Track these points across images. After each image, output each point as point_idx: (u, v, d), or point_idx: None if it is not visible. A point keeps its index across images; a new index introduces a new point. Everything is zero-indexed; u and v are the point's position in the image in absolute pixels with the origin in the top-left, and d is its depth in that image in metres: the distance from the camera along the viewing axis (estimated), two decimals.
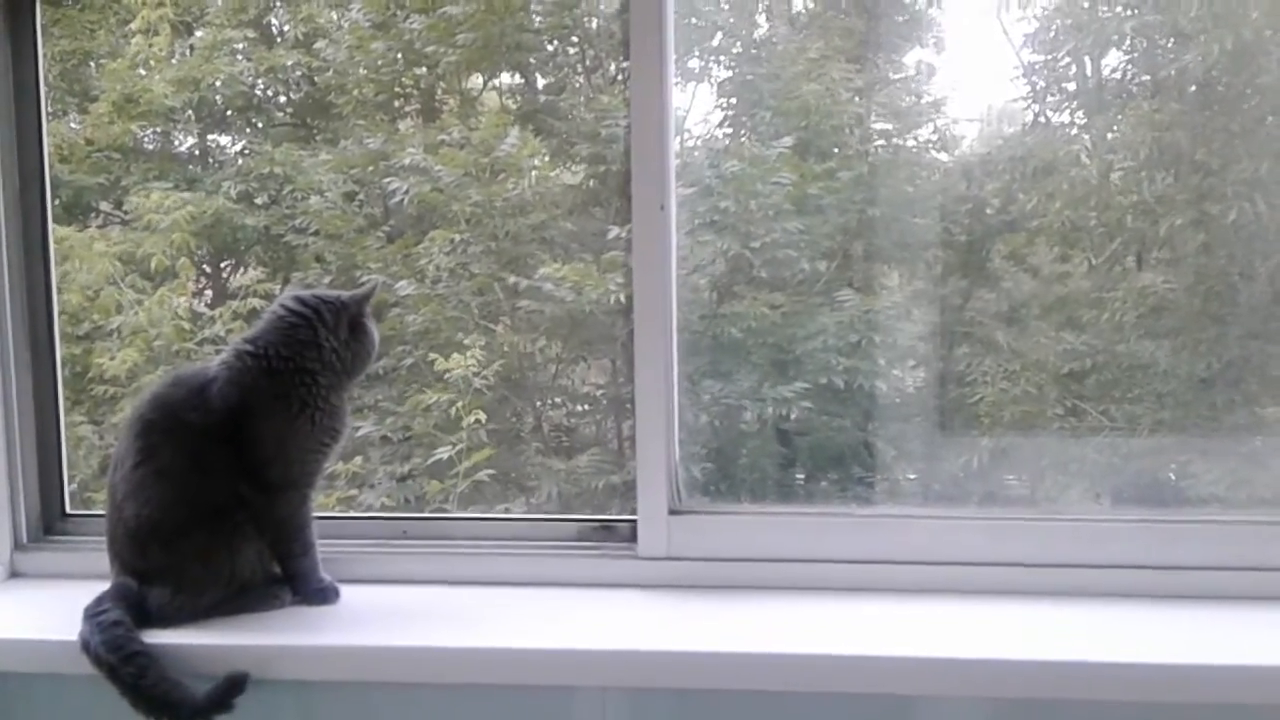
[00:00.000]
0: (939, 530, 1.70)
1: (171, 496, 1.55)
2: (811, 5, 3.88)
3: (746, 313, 3.34)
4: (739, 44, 3.83)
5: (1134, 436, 3.16)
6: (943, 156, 3.61)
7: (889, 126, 3.68)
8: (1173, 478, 3.13)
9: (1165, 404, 3.16)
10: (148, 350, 3.40)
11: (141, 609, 1.52)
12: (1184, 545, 1.65)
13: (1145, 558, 1.64)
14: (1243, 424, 3.05)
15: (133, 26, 3.74)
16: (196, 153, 4.14)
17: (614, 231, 3.40)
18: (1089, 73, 3.45)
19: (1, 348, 1.83)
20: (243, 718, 1.49)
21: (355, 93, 3.85)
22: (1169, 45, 3.29)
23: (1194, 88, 3.17)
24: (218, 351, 1.67)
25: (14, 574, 1.83)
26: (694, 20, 3.60)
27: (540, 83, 4.03)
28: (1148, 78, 3.33)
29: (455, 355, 3.37)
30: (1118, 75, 3.42)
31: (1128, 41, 3.33)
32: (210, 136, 4.15)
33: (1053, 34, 3.41)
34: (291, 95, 4.09)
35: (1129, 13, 3.31)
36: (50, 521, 1.89)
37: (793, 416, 3.30)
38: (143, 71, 3.79)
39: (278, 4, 4.08)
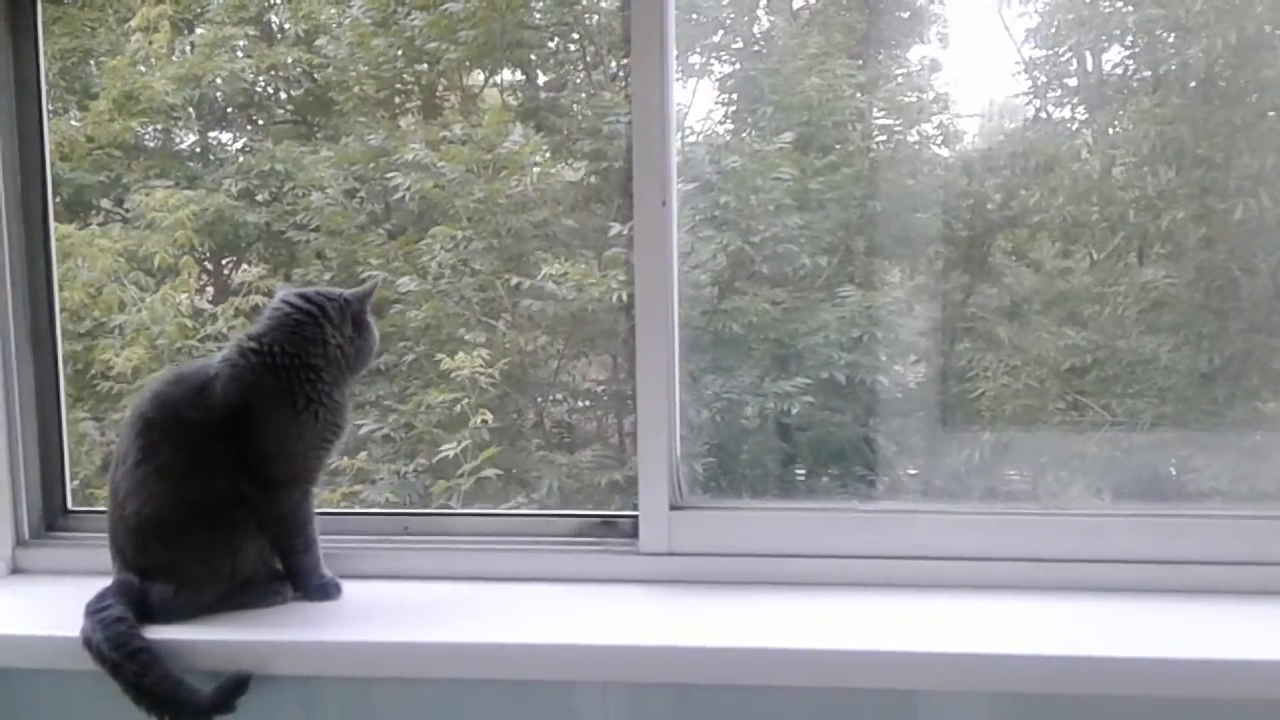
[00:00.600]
0: (940, 525, 1.70)
1: (173, 494, 1.55)
2: (813, 1, 3.88)
3: (748, 308, 3.35)
4: (740, 40, 3.83)
5: (1135, 431, 3.16)
6: (944, 152, 3.61)
7: (890, 122, 3.68)
8: (1174, 473, 3.13)
9: (1166, 399, 3.16)
10: (151, 348, 3.41)
11: (143, 605, 1.52)
12: (1185, 540, 1.65)
13: (1146, 552, 1.64)
14: (1244, 419, 3.06)
15: (133, 24, 3.74)
16: (197, 150, 4.14)
17: (615, 228, 3.40)
18: (1090, 68, 3.45)
19: (3, 344, 1.84)
20: (245, 714, 1.50)
21: (356, 89, 3.86)
22: (1171, 40, 3.28)
23: (1196, 82, 3.17)
24: (220, 348, 1.67)
25: (16, 570, 1.84)
26: (695, 16, 3.60)
27: (541, 79, 4.03)
28: (1149, 73, 3.32)
29: (461, 355, 3.37)
30: (1120, 70, 3.41)
31: (1130, 36, 3.33)
32: (211, 134, 4.15)
33: (1054, 29, 3.41)
34: (292, 92, 4.09)
35: (1130, 7, 3.31)
36: (52, 518, 1.89)
37: (794, 412, 3.30)
38: (143, 69, 3.79)
39: (278, 1, 4.07)
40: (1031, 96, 3.48)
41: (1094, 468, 3.20)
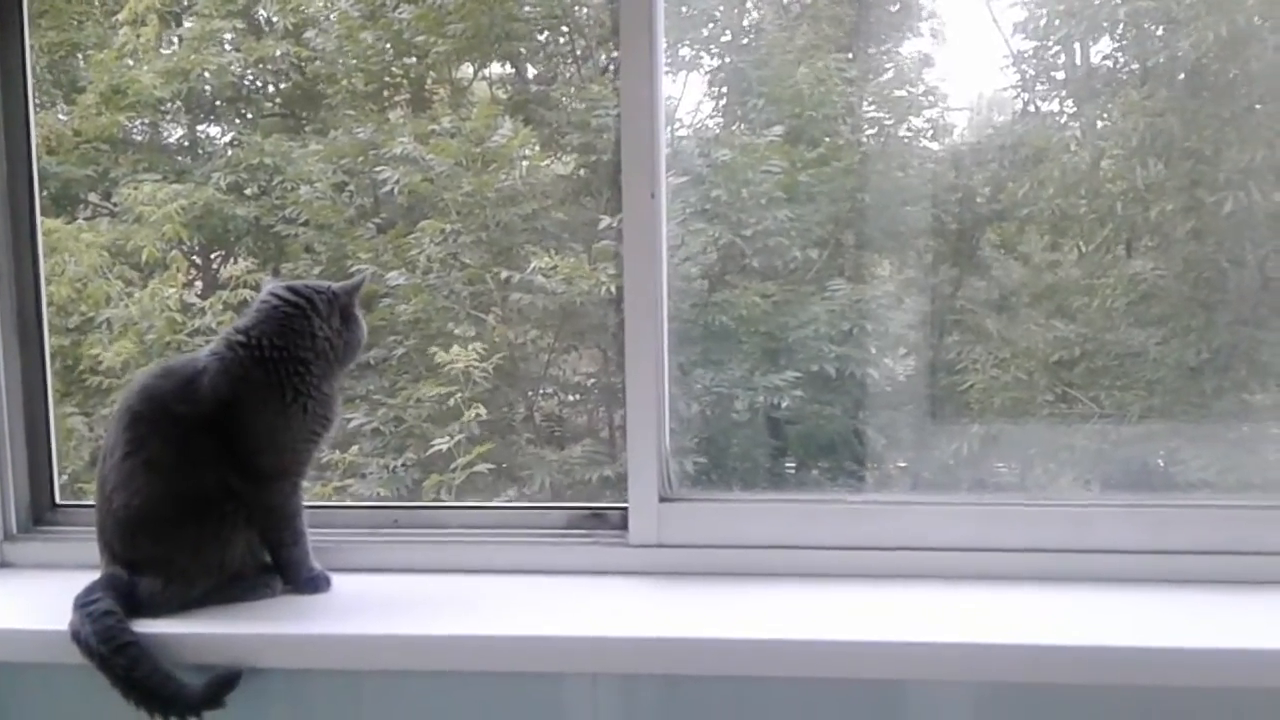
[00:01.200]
0: (927, 516, 1.71)
1: (161, 487, 1.55)
2: None
3: (738, 301, 3.35)
4: (730, 32, 3.83)
5: (1124, 423, 3.17)
6: (934, 145, 3.62)
7: (880, 115, 3.68)
8: (1162, 464, 3.15)
9: (1155, 391, 3.17)
10: (140, 342, 3.40)
11: (132, 599, 1.52)
12: (1171, 530, 1.65)
13: (1133, 542, 1.65)
14: (1231, 410, 3.07)
15: (120, 17, 3.73)
16: (186, 144, 4.13)
17: (605, 221, 3.40)
18: (1079, 60, 3.45)
19: None
20: (235, 707, 1.50)
21: (345, 83, 3.85)
22: (1160, 32, 3.29)
23: (1185, 75, 3.18)
24: (208, 342, 1.66)
25: (3, 564, 1.83)
26: (685, 9, 3.60)
27: (531, 73, 4.03)
28: (1138, 65, 3.33)
29: (455, 348, 3.37)
30: (1109, 63, 3.42)
31: (1119, 28, 3.34)
32: (199, 127, 4.14)
33: (1043, 21, 3.41)
34: (281, 85, 4.08)
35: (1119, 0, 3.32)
36: (40, 512, 1.88)
37: (784, 405, 3.30)
38: (131, 62, 3.78)
39: None
40: (1020, 90, 3.49)
41: (1082, 460, 3.22)
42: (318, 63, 3.87)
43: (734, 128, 3.59)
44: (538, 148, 3.67)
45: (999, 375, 3.27)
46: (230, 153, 3.87)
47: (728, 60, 3.72)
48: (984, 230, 3.49)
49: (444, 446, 3.26)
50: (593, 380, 3.75)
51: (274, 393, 1.59)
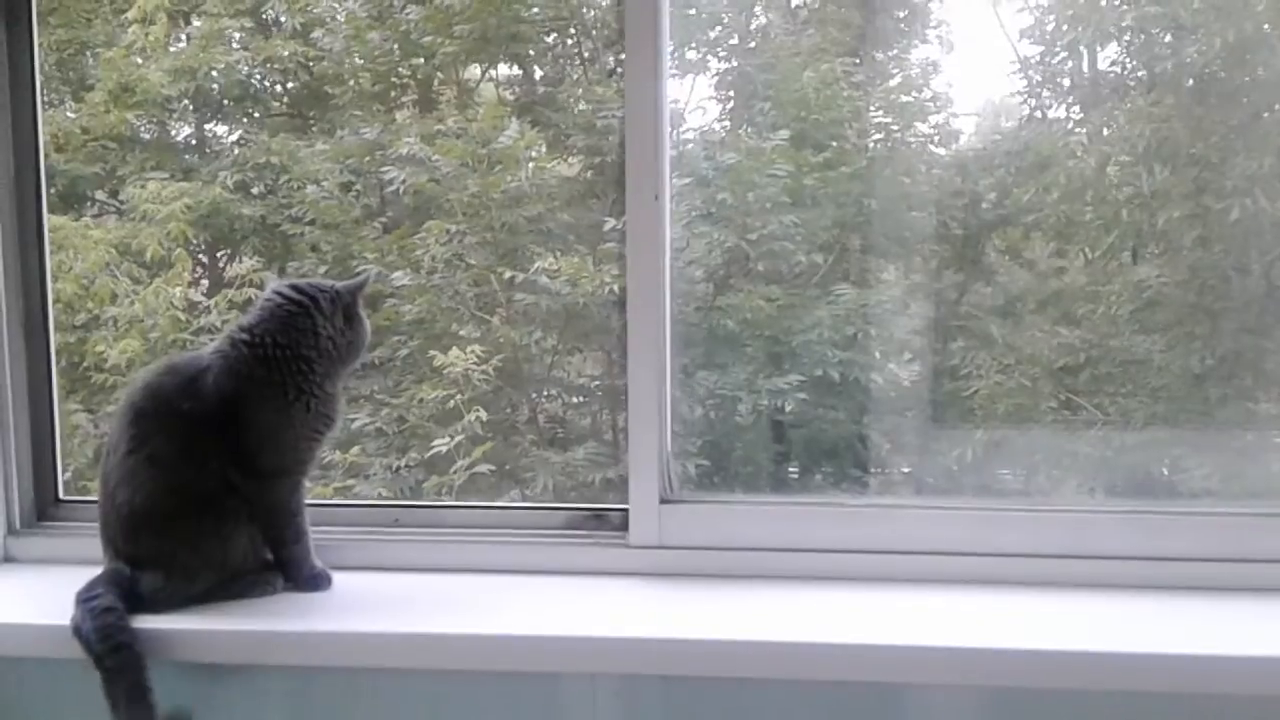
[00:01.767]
0: (929, 520, 1.71)
1: (163, 483, 1.55)
2: None
3: (743, 305, 3.35)
4: (737, 36, 3.83)
5: (1127, 431, 3.16)
6: (940, 150, 3.62)
7: (886, 120, 3.68)
8: (1165, 472, 3.14)
9: (1159, 398, 3.16)
10: (144, 340, 3.41)
11: (134, 594, 1.52)
12: (1171, 536, 1.65)
13: (1132, 548, 1.65)
14: (1236, 419, 3.06)
15: (129, 16, 3.74)
16: (193, 142, 4.14)
17: (610, 223, 3.40)
18: (1086, 67, 3.45)
19: None
20: (235, 703, 1.51)
21: (352, 83, 3.86)
22: (1167, 39, 3.29)
23: (1192, 81, 3.17)
24: (212, 340, 1.67)
25: (7, 559, 1.83)
26: (693, 11, 3.60)
27: (538, 74, 4.04)
28: (1145, 71, 3.33)
29: (454, 350, 3.37)
30: (1115, 69, 3.42)
31: (1126, 35, 3.33)
32: (207, 126, 4.15)
33: (1050, 27, 3.41)
34: (288, 85, 4.09)
35: (1127, 5, 3.31)
36: (44, 507, 1.89)
37: (788, 409, 3.30)
38: (139, 61, 3.79)
39: None
40: (1027, 95, 3.49)
41: (1086, 467, 3.21)
42: (325, 63, 3.88)
43: (740, 131, 3.59)
44: (544, 149, 3.67)
45: (1003, 381, 3.26)
46: (237, 151, 3.89)
47: (735, 64, 3.73)
48: (989, 236, 3.49)
49: (444, 448, 3.26)
50: (596, 382, 3.75)
51: (277, 391, 1.60)
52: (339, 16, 3.90)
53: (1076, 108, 3.58)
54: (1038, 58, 3.42)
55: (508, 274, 3.51)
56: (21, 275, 1.87)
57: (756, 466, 3.43)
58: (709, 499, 1.76)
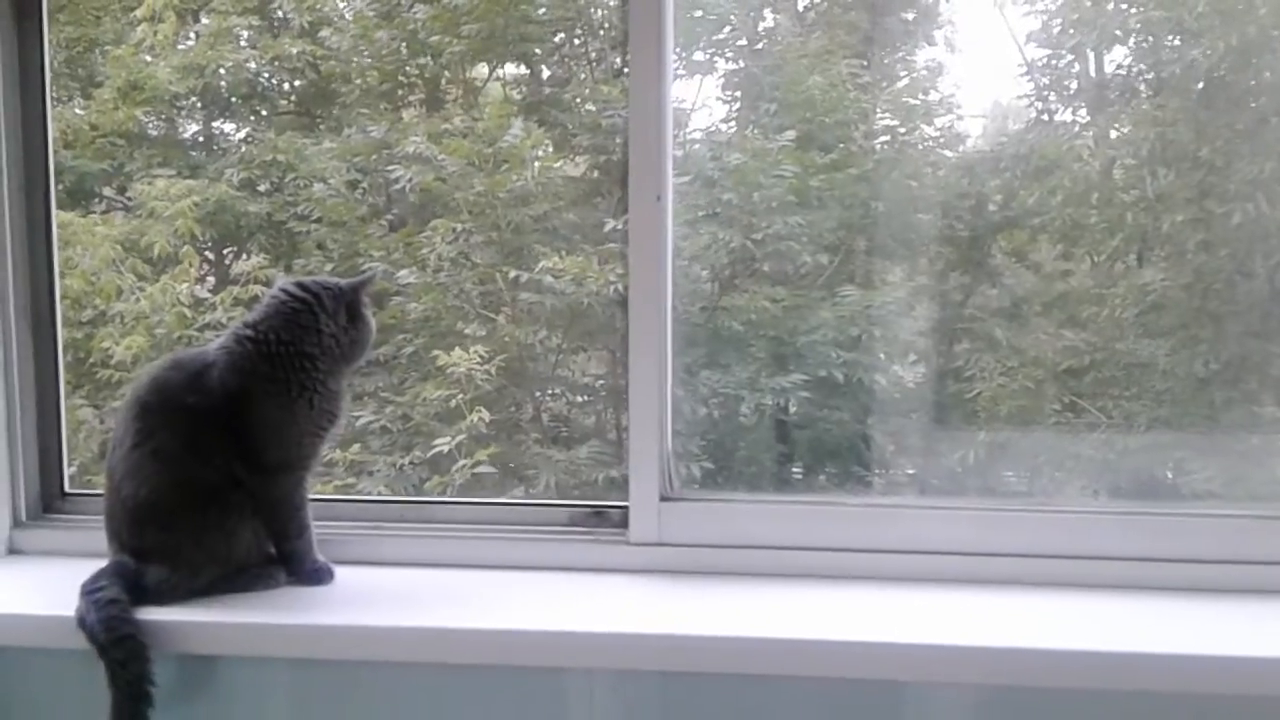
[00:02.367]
0: (928, 520, 1.71)
1: (168, 477, 1.56)
2: (818, 0, 3.89)
3: (747, 305, 3.35)
4: (744, 37, 3.84)
5: (1131, 434, 3.16)
6: (947, 153, 3.62)
7: (893, 122, 3.69)
8: (1170, 475, 3.14)
9: (1163, 401, 3.16)
10: (150, 336, 3.42)
11: (138, 587, 1.53)
12: (1171, 538, 1.66)
13: (1132, 549, 1.65)
14: (1240, 422, 3.06)
15: (138, 13, 3.76)
16: (200, 139, 4.16)
17: (611, 224, 3.41)
18: (1092, 70, 3.45)
19: (4, 329, 1.84)
20: (239, 694, 1.52)
21: (359, 81, 3.87)
22: (1174, 42, 3.29)
23: (1200, 84, 3.17)
24: (218, 337, 1.68)
25: (13, 550, 1.85)
26: (699, 13, 3.61)
27: (545, 74, 4.04)
28: (1152, 75, 3.33)
29: (457, 350, 3.38)
30: (1121, 72, 3.42)
31: (1132, 38, 3.34)
32: (214, 123, 4.17)
33: (1057, 30, 3.42)
34: (295, 83, 4.10)
35: (1134, 9, 3.31)
36: (49, 500, 1.90)
37: (792, 410, 3.31)
38: (148, 58, 3.81)
39: None
40: (1034, 98, 3.49)
41: (1089, 469, 3.21)
42: (333, 61, 3.89)
43: (747, 132, 3.59)
44: (550, 148, 3.68)
45: (1007, 383, 3.27)
46: (244, 149, 3.90)
47: (742, 65, 3.73)
48: (995, 239, 3.49)
49: (445, 448, 3.27)
50: (601, 381, 3.76)
51: (280, 387, 1.61)
52: (347, 15, 3.92)
53: (1083, 111, 3.58)
54: (1044, 61, 3.42)
55: (513, 273, 3.51)
56: (29, 270, 1.88)
57: (760, 467, 3.43)
58: (709, 497, 1.77)
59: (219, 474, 1.58)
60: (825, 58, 3.51)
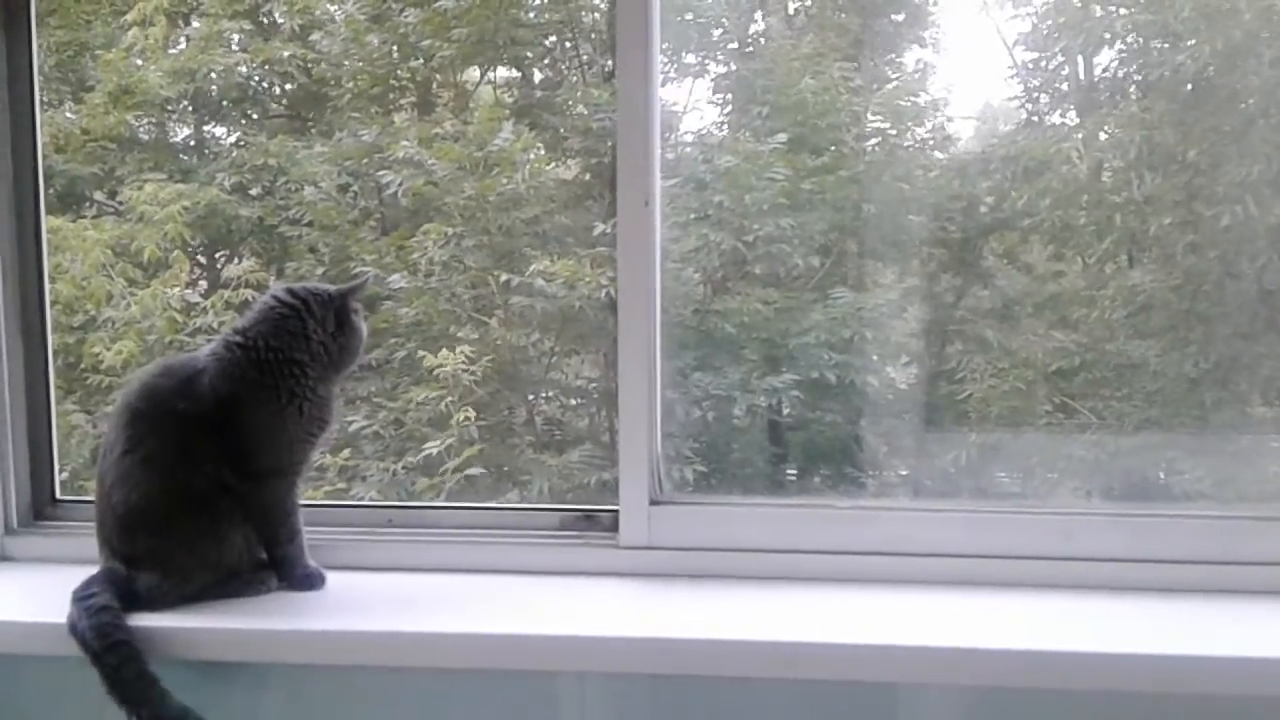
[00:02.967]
0: (919, 522, 1.72)
1: (159, 483, 1.56)
2: (808, 3, 3.89)
3: (740, 308, 3.36)
4: (735, 40, 3.84)
5: (1122, 434, 3.17)
6: (938, 154, 3.63)
7: (884, 124, 3.69)
8: (1161, 476, 3.15)
9: (1153, 402, 3.17)
10: (141, 341, 3.42)
11: (130, 593, 1.53)
12: (1161, 539, 1.66)
13: (1121, 550, 1.66)
14: (1230, 422, 3.07)
15: (129, 17, 3.75)
16: (191, 143, 4.16)
17: (602, 227, 3.41)
18: (1081, 73, 3.46)
19: None
20: (230, 700, 1.52)
21: (350, 85, 3.87)
22: (1159, 45, 3.30)
23: (1189, 86, 3.18)
24: (209, 342, 1.68)
25: (4, 557, 1.84)
26: (689, 16, 3.61)
27: (536, 77, 4.05)
28: (1141, 77, 3.34)
29: (444, 352, 3.38)
30: (1109, 75, 3.43)
31: (1119, 41, 3.35)
32: (205, 127, 4.16)
33: (1045, 33, 3.43)
34: (287, 87, 4.10)
35: (1121, 11, 3.32)
36: (40, 507, 1.90)
37: (785, 412, 3.31)
38: (138, 62, 3.80)
39: None
40: (1024, 100, 3.50)
41: (1081, 470, 3.22)
42: (323, 65, 3.88)
43: (738, 134, 3.60)
44: (542, 151, 3.68)
45: (998, 385, 3.27)
46: (235, 153, 3.89)
47: (733, 68, 3.74)
48: (986, 240, 3.50)
49: (434, 450, 3.27)
50: (594, 385, 3.76)
51: (270, 393, 1.61)
52: (337, 19, 3.92)
53: (1072, 113, 3.59)
54: (1034, 63, 3.43)
55: (505, 277, 3.51)
56: (19, 276, 1.88)
57: (754, 469, 3.44)
58: (698, 501, 1.78)
59: (210, 480, 1.58)
60: (816, 60, 3.52)
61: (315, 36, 3.88)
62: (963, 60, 3.54)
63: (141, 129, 3.92)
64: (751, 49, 3.81)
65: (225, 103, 4.01)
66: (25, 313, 1.89)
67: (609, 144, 3.49)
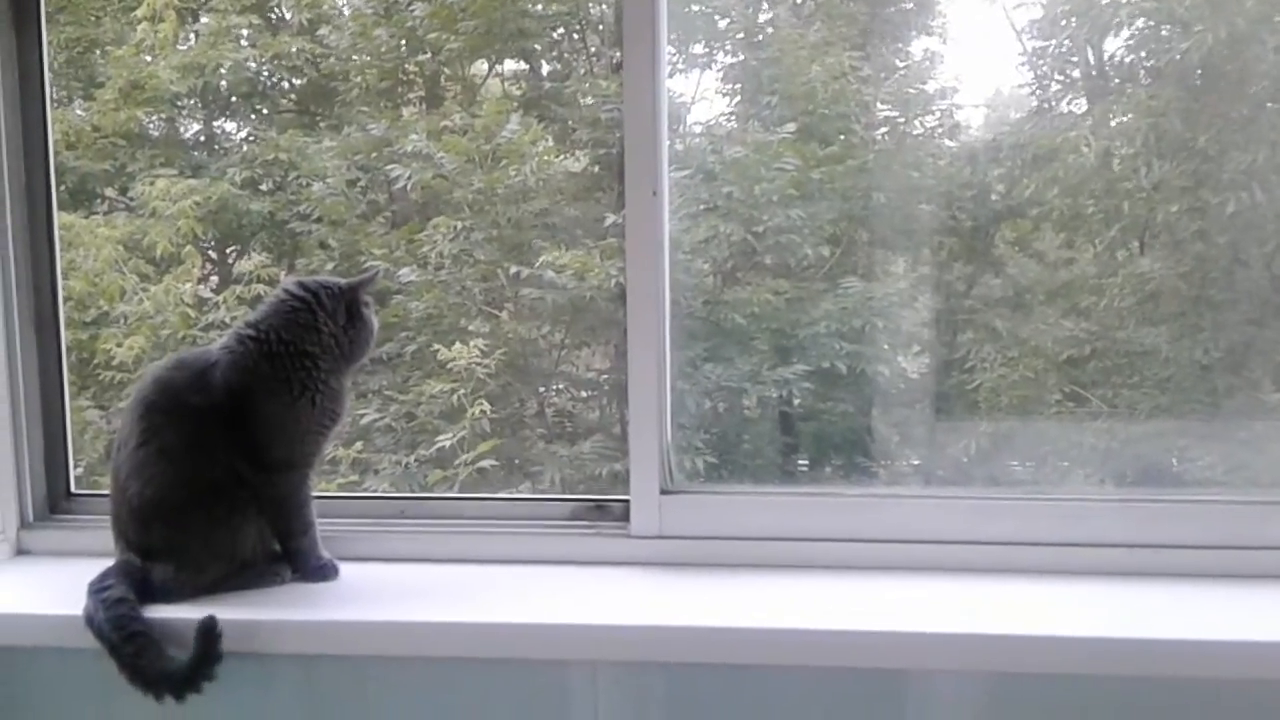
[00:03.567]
0: (929, 509, 1.72)
1: (173, 476, 1.58)
2: None
3: (750, 298, 3.36)
4: (743, 30, 3.83)
5: (1133, 422, 3.17)
6: (948, 142, 3.62)
7: (893, 113, 3.68)
8: (1173, 462, 3.14)
9: (1165, 389, 3.16)
10: (153, 337, 3.43)
11: (145, 585, 1.55)
12: (1171, 524, 1.66)
13: (1133, 536, 1.66)
14: (1241, 409, 3.06)
15: (138, 13, 3.76)
16: (202, 139, 4.17)
17: (611, 218, 3.41)
18: (1091, 60, 3.45)
19: (8, 332, 1.86)
20: (244, 690, 1.53)
21: (359, 79, 3.87)
22: (1165, 33, 3.28)
23: (1197, 73, 3.17)
24: (221, 337, 1.69)
25: (20, 551, 1.86)
26: (697, 7, 3.61)
27: (544, 69, 4.05)
28: (1150, 63, 3.32)
29: (457, 345, 3.38)
30: (1117, 61, 3.41)
31: (1126, 29, 3.33)
32: (215, 123, 4.17)
33: (1054, 19, 3.41)
34: (296, 82, 4.10)
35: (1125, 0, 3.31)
36: (55, 500, 1.92)
37: (796, 402, 3.31)
38: (148, 58, 3.81)
39: None
40: (1034, 87, 3.49)
41: (1093, 458, 3.21)
42: (332, 59, 3.89)
43: (747, 125, 3.59)
44: (550, 143, 3.68)
45: (1008, 373, 3.27)
46: (245, 148, 3.91)
47: (741, 58, 3.73)
48: (996, 228, 3.49)
49: (447, 443, 3.28)
50: (605, 376, 3.76)
51: (282, 386, 1.62)
52: (345, 13, 3.92)
53: (1082, 100, 3.58)
54: (1043, 50, 3.42)
55: (514, 269, 3.52)
56: (32, 272, 1.89)
57: (765, 460, 3.44)
58: (709, 490, 1.79)
59: (223, 472, 1.59)
60: (825, 49, 3.50)
61: (323, 31, 3.89)
62: (972, 48, 3.53)
63: (152, 125, 3.93)
64: (759, 39, 3.80)
65: (235, 98, 4.02)
66: (38, 309, 1.90)
67: (617, 135, 3.49)
